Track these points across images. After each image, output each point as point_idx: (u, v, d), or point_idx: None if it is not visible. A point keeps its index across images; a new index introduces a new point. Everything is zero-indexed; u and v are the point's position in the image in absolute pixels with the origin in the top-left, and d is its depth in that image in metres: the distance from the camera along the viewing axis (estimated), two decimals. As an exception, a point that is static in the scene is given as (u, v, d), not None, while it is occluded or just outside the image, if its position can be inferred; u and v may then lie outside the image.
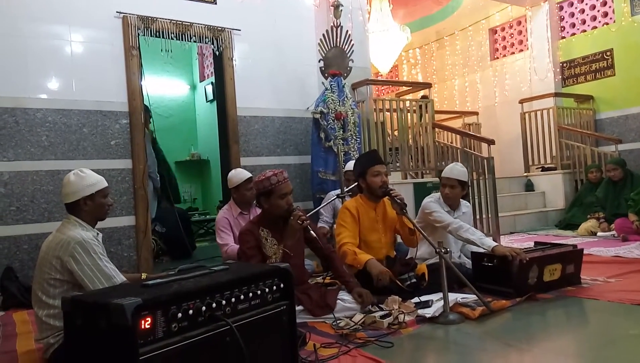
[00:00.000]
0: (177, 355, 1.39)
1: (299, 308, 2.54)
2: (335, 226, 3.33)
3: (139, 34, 4.37)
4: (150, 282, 1.53)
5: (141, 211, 4.30)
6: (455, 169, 3.37)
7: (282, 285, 1.77)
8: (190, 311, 1.45)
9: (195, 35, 4.65)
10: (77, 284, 2.11)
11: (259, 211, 3.63)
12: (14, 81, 3.90)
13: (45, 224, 3.92)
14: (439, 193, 3.44)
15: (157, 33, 4.45)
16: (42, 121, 3.99)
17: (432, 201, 3.36)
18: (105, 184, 2.32)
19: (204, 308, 1.48)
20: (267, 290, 1.71)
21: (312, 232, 2.76)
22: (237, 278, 1.63)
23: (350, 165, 4.30)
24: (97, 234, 2.27)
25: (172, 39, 4.53)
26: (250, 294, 1.65)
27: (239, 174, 3.71)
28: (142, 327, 1.33)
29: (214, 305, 1.51)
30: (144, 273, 2.75)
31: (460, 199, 3.47)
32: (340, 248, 3.01)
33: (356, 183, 3.38)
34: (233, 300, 1.58)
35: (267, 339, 1.68)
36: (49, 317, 2.11)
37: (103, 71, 4.24)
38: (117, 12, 4.30)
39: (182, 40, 4.61)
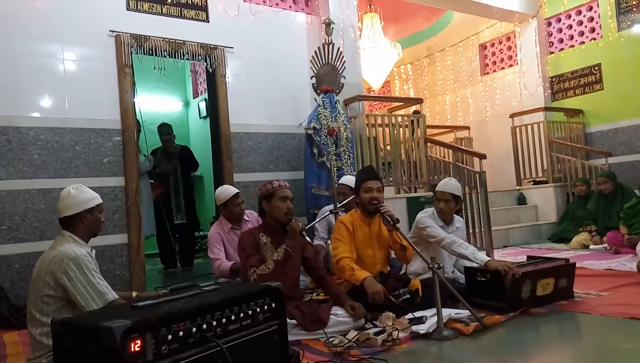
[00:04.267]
0: (167, 377, 1.38)
1: (292, 322, 2.53)
2: (331, 241, 3.32)
3: (131, 52, 4.39)
4: (140, 304, 1.52)
5: (134, 229, 4.28)
6: (450, 184, 3.39)
7: (273, 305, 1.76)
8: (181, 333, 1.44)
9: (188, 53, 4.68)
10: (70, 301, 2.10)
11: (250, 226, 3.65)
12: (6, 99, 3.90)
13: (36, 243, 3.89)
14: (433, 208, 3.45)
15: (150, 51, 4.48)
16: (35, 139, 3.98)
17: (426, 216, 3.37)
18: (101, 200, 2.36)
19: (194, 329, 1.48)
20: (258, 309, 1.70)
21: (306, 237, 2.89)
22: (227, 298, 1.63)
23: (344, 179, 4.31)
24: (91, 250, 2.27)
25: (165, 56, 4.55)
26: (241, 314, 1.64)
27: (226, 191, 3.72)
28: (132, 349, 1.32)
29: (204, 326, 1.51)
30: (134, 292, 2.74)
31: (454, 214, 3.48)
32: (337, 262, 2.99)
33: (352, 197, 3.40)
34: (224, 320, 1.57)
35: (259, 359, 1.67)
36: (42, 335, 2.08)
37: (96, 89, 4.25)
38: (110, 30, 4.32)
39: (175, 58, 4.64)
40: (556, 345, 2.40)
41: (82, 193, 2.26)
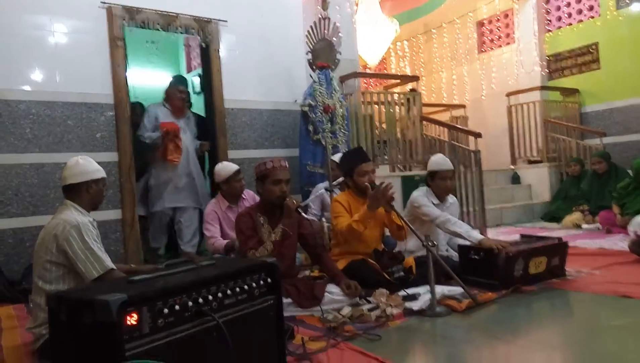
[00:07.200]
0: (163, 350, 1.38)
1: (287, 300, 2.55)
2: (327, 219, 3.32)
3: (123, 25, 4.29)
4: (136, 278, 1.51)
5: (128, 204, 4.25)
6: (447, 161, 3.44)
7: (269, 280, 1.77)
8: (177, 307, 1.44)
9: (181, 26, 4.59)
10: (72, 269, 2.15)
11: (247, 204, 3.64)
12: (-4, 72, 3.82)
13: (29, 218, 3.86)
14: (425, 187, 3.46)
15: (143, 24, 4.38)
16: (26, 113, 3.91)
17: (420, 195, 3.38)
18: (105, 174, 2.43)
19: (190, 303, 1.48)
20: (254, 284, 1.70)
21: (302, 214, 2.86)
22: (223, 273, 1.62)
23: (337, 156, 4.29)
24: (93, 220, 2.32)
25: (157, 30, 4.46)
26: (237, 289, 1.64)
27: (227, 167, 3.70)
28: (128, 322, 1.32)
29: (200, 300, 1.50)
30: (132, 265, 2.76)
31: None
32: (343, 229, 2.97)
33: (341, 179, 3.39)
34: (220, 295, 1.57)
35: (254, 334, 1.68)
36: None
37: (87, 62, 4.17)
38: (101, 2, 4.22)
39: (168, 31, 4.54)
40: (547, 322, 2.44)
41: (90, 164, 2.34)
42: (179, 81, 4.63)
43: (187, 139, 4.55)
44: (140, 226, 4.58)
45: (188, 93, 4.73)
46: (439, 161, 3.44)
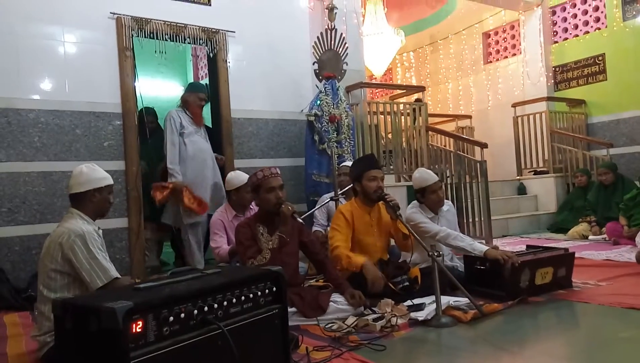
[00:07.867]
0: (168, 358, 1.39)
1: (291, 310, 2.54)
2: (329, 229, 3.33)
3: (132, 35, 4.35)
4: (141, 285, 1.52)
5: (134, 213, 4.28)
6: (431, 173, 3.42)
7: (274, 289, 1.77)
8: (182, 315, 1.44)
9: (189, 37, 4.64)
10: (77, 278, 2.16)
11: (253, 213, 3.65)
12: (7, 81, 3.87)
13: (36, 226, 3.89)
14: (417, 202, 3.43)
15: (151, 34, 4.44)
16: (35, 121, 3.96)
17: (414, 212, 3.35)
18: (112, 181, 2.41)
19: (195, 311, 1.48)
20: (259, 293, 1.71)
21: (299, 219, 2.84)
22: (229, 282, 1.63)
23: (349, 164, 4.29)
24: (98, 228, 2.32)
25: (166, 40, 4.51)
26: (243, 297, 1.64)
27: (239, 177, 3.71)
28: (134, 330, 1.33)
29: (205, 308, 1.51)
30: (137, 279, 2.77)
31: None
32: (332, 251, 3.02)
33: (351, 186, 3.39)
34: (225, 303, 1.58)
35: (259, 342, 1.68)
36: (50, 312, 2.10)
37: (96, 72, 4.22)
38: (110, 12, 4.28)
39: (176, 41, 4.59)
40: (554, 333, 2.42)
41: (93, 172, 2.33)
42: (197, 88, 4.60)
43: (208, 147, 4.49)
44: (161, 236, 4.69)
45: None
46: (424, 176, 3.39)
